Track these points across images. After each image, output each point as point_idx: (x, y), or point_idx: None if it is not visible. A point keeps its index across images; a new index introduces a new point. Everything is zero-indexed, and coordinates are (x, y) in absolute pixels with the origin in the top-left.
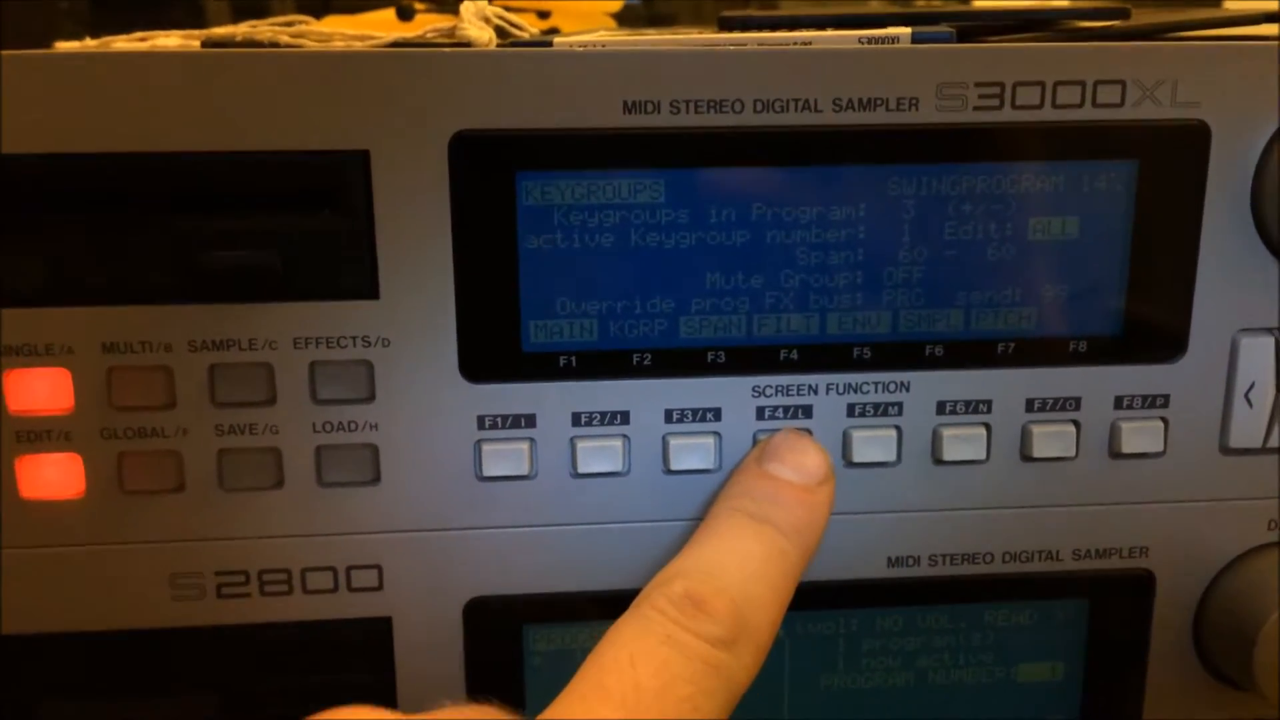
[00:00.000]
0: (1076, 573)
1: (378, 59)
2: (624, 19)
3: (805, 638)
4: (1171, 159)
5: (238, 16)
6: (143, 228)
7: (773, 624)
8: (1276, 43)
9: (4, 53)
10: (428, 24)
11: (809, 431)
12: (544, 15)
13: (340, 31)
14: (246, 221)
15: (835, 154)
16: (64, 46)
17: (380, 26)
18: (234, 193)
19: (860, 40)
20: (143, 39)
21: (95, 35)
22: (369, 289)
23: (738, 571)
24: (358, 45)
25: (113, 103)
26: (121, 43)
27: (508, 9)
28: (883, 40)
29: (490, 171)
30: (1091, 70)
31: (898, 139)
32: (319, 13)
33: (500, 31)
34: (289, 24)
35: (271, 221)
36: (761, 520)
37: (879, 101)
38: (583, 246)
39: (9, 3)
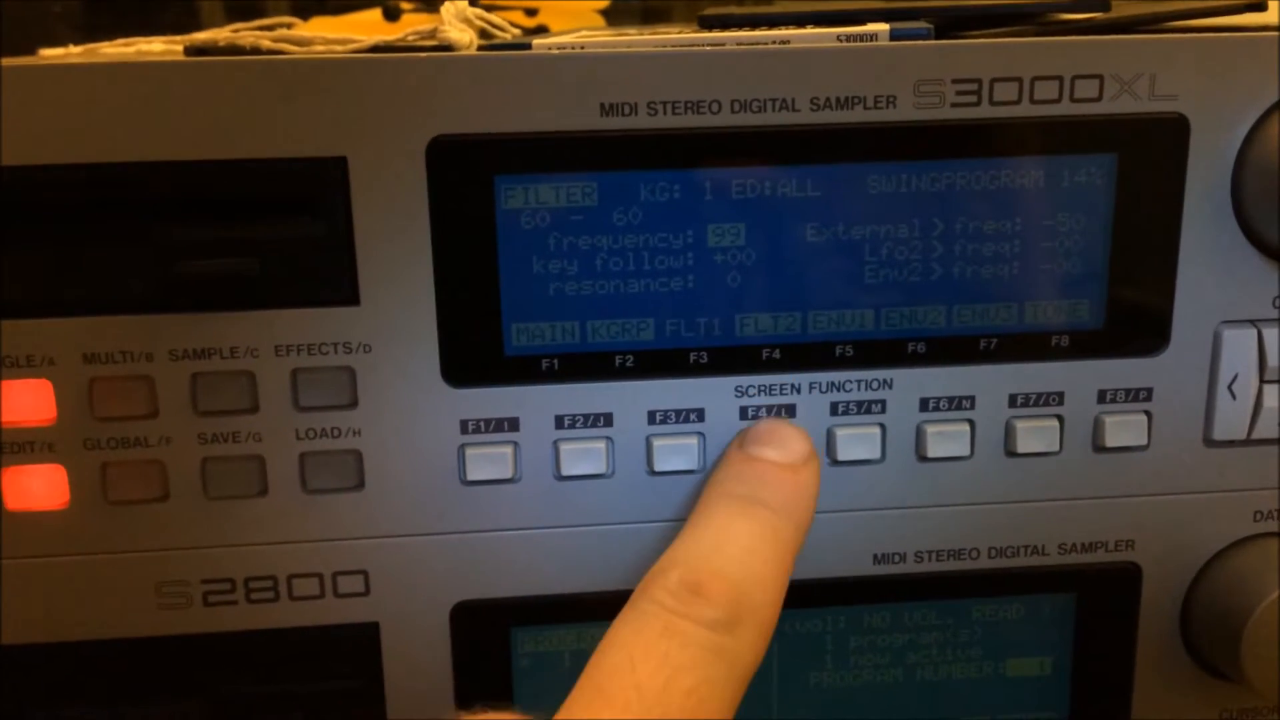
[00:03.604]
0: (1063, 567)
1: (354, 65)
2: (615, 14)
3: (793, 636)
4: (1150, 152)
5: (230, 15)
6: (121, 238)
7: (774, 602)
8: (1256, 33)
9: None
10: (413, 25)
11: None
12: (531, 13)
13: (321, 35)
14: (226, 230)
15: (814, 153)
16: (48, 54)
17: (366, 27)
18: (213, 201)
19: (839, 38)
20: (128, 45)
21: (88, 36)
22: (349, 295)
23: (733, 553)
24: (337, 49)
25: (89, 113)
26: (107, 49)
27: (493, 8)
28: (861, 38)
29: (469, 175)
30: (1069, 65)
31: (876, 137)
32: (308, 13)
33: (482, 33)
34: (271, 28)
35: (251, 229)
36: (751, 501)
37: (857, 99)
38: (563, 249)
39: (3, 6)
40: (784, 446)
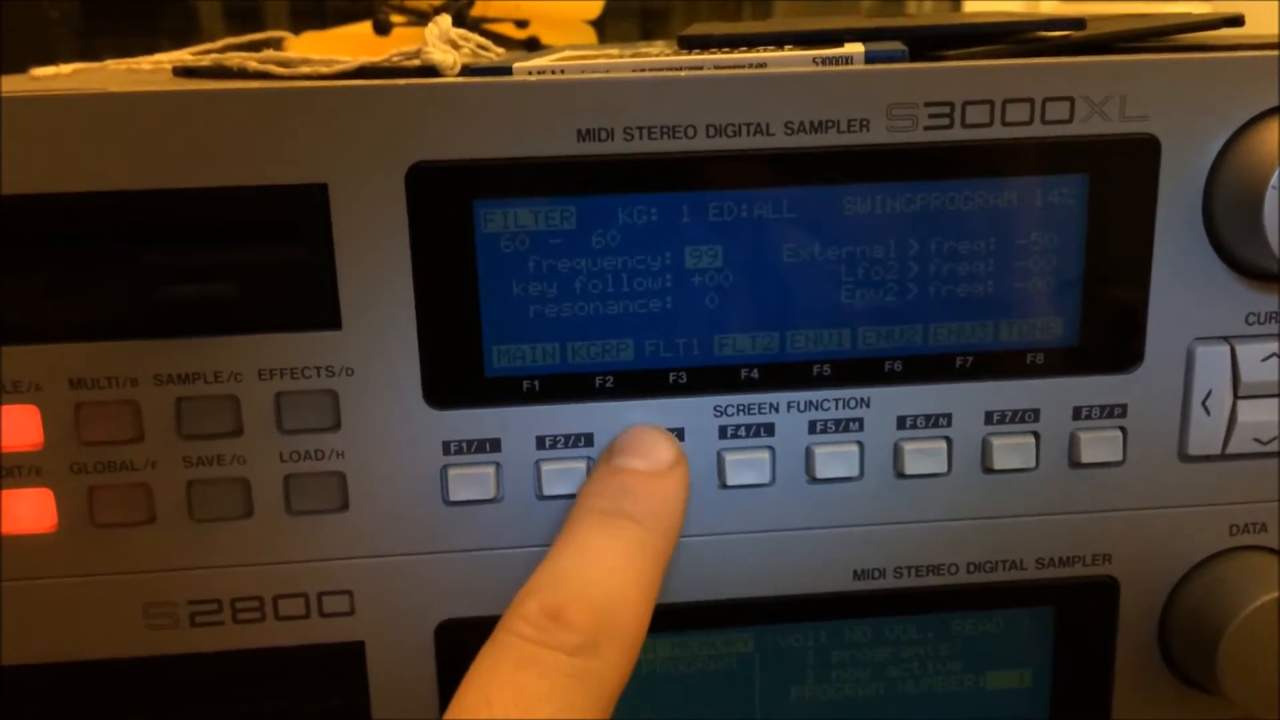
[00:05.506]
0: (1041, 581)
1: (334, 93)
2: (611, 14)
3: (774, 650)
4: (1122, 172)
5: (229, 21)
6: (106, 264)
7: (640, 617)
8: (1225, 53)
9: None
10: (403, 39)
11: (771, 449)
12: (522, 24)
13: (307, 57)
14: (209, 256)
15: (789, 176)
16: (40, 72)
17: (357, 41)
18: (196, 228)
19: (814, 60)
20: (119, 64)
21: (87, 40)
22: (331, 319)
23: (593, 574)
24: (322, 70)
25: (71, 142)
26: (98, 69)
27: (485, 20)
28: (836, 60)
29: (448, 201)
30: (1040, 87)
31: (850, 159)
32: (306, 20)
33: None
34: (259, 45)
35: (233, 255)
36: (614, 515)
37: (830, 123)
38: (542, 271)
39: (3, 12)
40: (648, 455)
